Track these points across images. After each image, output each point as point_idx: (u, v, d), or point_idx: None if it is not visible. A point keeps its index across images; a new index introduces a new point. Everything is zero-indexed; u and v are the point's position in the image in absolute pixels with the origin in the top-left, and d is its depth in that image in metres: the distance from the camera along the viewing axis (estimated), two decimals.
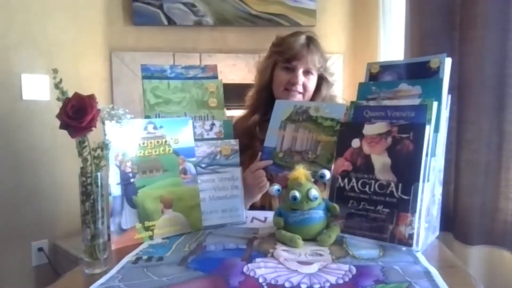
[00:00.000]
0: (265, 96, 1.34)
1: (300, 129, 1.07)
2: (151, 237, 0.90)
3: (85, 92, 0.75)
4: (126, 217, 0.87)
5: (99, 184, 0.75)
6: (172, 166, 0.94)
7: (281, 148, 1.08)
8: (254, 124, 1.30)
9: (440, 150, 0.87)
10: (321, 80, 1.33)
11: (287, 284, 0.65)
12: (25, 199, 1.97)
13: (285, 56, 1.29)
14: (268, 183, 1.10)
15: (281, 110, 1.12)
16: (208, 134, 1.03)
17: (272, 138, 1.10)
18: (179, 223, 0.93)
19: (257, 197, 1.15)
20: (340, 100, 1.39)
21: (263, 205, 1.20)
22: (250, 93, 1.40)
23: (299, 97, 1.29)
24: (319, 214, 0.86)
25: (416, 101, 0.84)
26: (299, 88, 1.28)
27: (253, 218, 1.05)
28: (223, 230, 0.96)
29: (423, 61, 0.89)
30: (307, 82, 1.29)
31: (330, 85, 1.35)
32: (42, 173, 2.04)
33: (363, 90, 0.94)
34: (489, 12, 1.25)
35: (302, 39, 1.29)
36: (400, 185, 0.81)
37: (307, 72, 1.29)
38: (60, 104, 0.73)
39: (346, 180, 0.89)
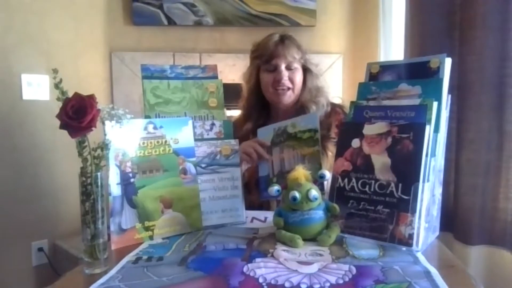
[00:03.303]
0: (255, 101, 1.36)
1: (284, 149, 1.09)
2: (151, 237, 0.90)
3: (85, 92, 0.75)
4: (126, 217, 0.87)
5: (99, 184, 0.75)
6: (172, 166, 0.94)
7: (273, 173, 1.10)
8: (247, 133, 1.30)
9: (440, 150, 0.87)
10: (305, 71, 1.34)
11: (287, 284, 0.65)
12: (25, 199, 1.97)
13: (263, 58, 1.30)
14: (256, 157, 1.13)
15: (263, 137, 1.15)
16: (208, 134, 1.03)
17: (264, 167, 1.13)
18: (179, 223, 0.93)
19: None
20: (327, 89, 1.38)
21: (260, 205, 1.20)
22: (241, 102, 1.40)
23: (288, 94, 1.30)
24: (319, 214, 0.86)
25: (416, 101, 0.84)
26: (287, 83, 1.29)
27: (253, 218, 1.05)
28: (223, 230, 0.96)
29: (423, 61, 0.89)
30: (292, 75, 1.30)
31: (315, 76, 1.35)
32: (42, 173, 2.04)
33: (363, 90, 0.94)
34: (489, 12, 1.25)
35: (276, 37, 1.31)
36: (400, 185, 0.81)
37: (290, 67, 1.30)
38: (60, 104, 0.73)
39: (346, 180, 0.89)
